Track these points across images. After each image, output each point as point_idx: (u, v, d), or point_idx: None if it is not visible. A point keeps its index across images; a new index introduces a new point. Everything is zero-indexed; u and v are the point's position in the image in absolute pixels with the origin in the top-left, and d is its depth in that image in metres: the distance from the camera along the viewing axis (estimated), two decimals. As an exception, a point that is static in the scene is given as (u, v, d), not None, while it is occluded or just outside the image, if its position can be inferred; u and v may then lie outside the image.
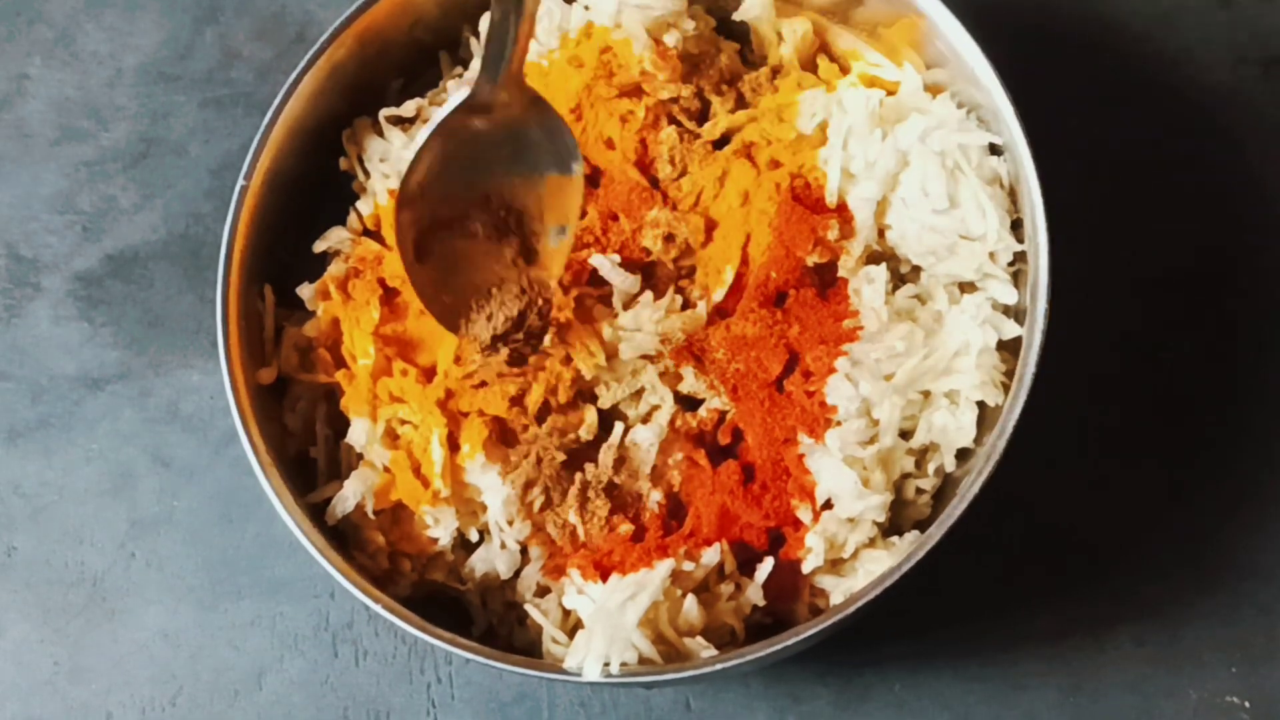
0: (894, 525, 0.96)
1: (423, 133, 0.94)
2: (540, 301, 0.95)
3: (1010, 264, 0.97)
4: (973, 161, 0.98)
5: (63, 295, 1.16)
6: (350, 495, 0.98)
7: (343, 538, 0.98)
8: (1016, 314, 0.96)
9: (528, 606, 0.96)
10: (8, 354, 1.15)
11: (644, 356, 0.98)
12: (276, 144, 1.02)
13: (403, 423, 0.99)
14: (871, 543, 0.94)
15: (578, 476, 0.97)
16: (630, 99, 1.04)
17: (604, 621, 0.90)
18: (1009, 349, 0.96)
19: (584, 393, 0.99)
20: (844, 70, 1.06)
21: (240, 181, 1.00)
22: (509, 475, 0.97)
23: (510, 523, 0.97)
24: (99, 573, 1.10)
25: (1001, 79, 0.96)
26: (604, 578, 0.93)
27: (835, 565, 0.95)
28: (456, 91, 1.05)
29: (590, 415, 0.98)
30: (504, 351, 0.95)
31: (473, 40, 1.09)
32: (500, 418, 0.98)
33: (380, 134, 1.06)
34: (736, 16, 1.06)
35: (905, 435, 0.96)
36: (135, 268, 1.17)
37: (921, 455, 0.97)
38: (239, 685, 1.07)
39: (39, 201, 1.19)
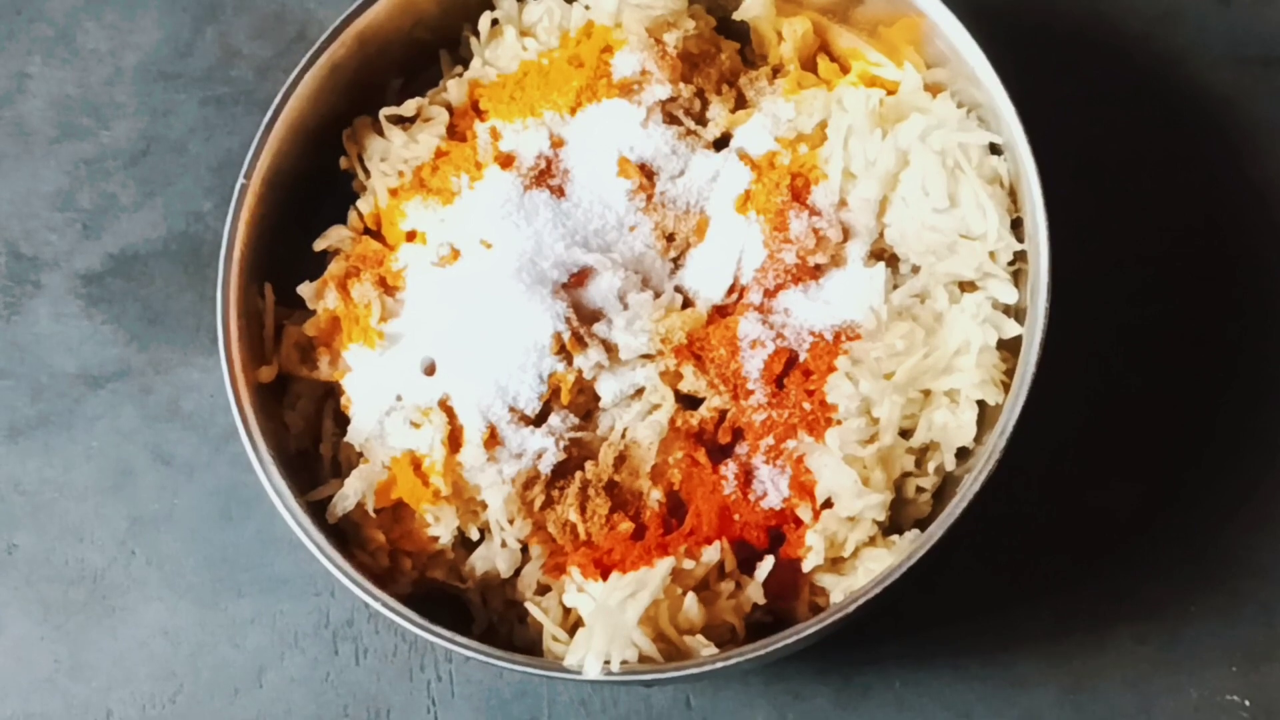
0: (894, 524, 0.96)
1: None
2: None
3: (1010, 263, 0.97)
4: (973, 161, 0.98)
5: (63, 293, 1.16)
6: (351, 493, 0.98)
7: (343, 536, 0.98)
8: (1017, 313, 0.96)
9: (528, 604, 0.96)
10: (8, 351, 1.15)
11: (644, 355, 0.98)
12: (277, 142, 1.02)
13: (403, 421, 1.00)
14: (871, 541, 0.94)
15: (578, 475, 0.97)
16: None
17: (604, 619, 0.90)
18: (1009, 348, 0.96)
19: (585, 391, 0.99)
20: (844, 70, 1.06)
21: (240, 180, 1.00)
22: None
23: (511, 521, 0.97)
24: (99, 570, 1.10)
25: (1002, 79, 0.96)
26: (604, 576, 0.93)
27: (835, 564, 0.95)
28: (457, 89, 1.06)
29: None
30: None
31: (473, 39, 1.09)
32: (501, 416, 0.98)
33: (380, 133, 1.06)
34: (736, 16, 1.06)
35: (905, 434, 0.96)
36: (135, 265, 1.16)
37: (922, 454, 0.97)
38: (239, 682, 1.07)
39: (39, 199, 1.19)
